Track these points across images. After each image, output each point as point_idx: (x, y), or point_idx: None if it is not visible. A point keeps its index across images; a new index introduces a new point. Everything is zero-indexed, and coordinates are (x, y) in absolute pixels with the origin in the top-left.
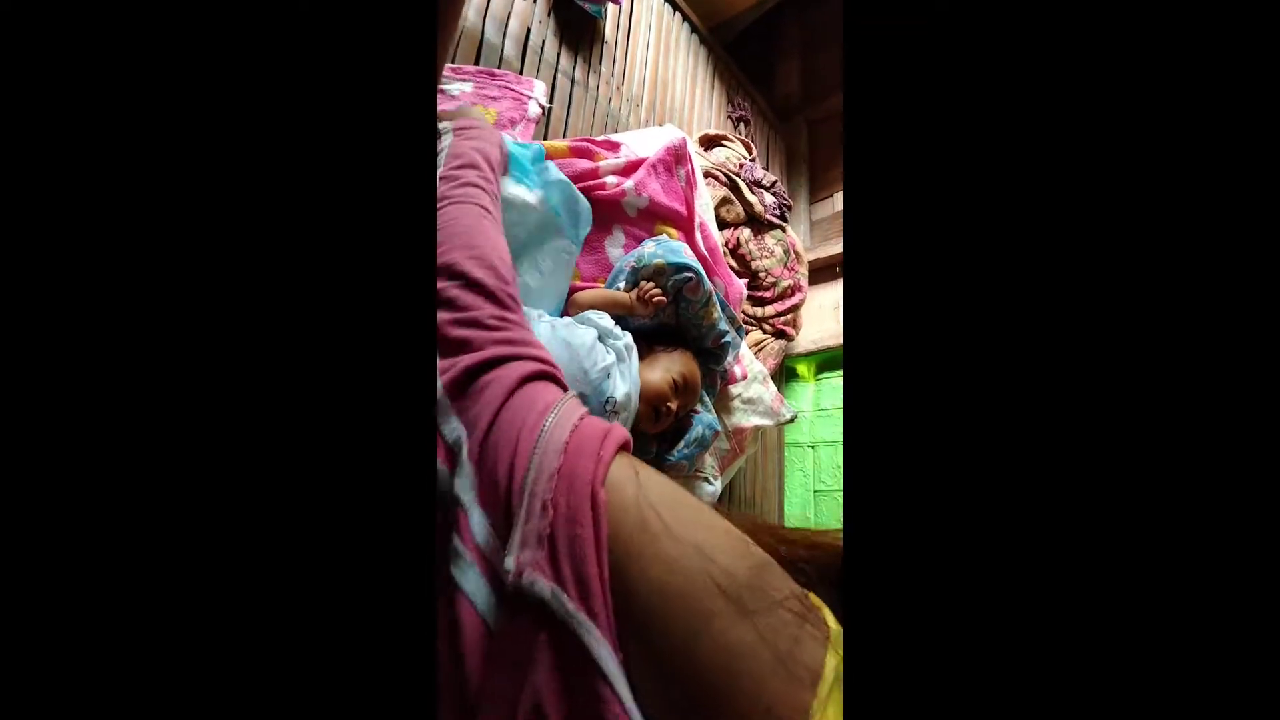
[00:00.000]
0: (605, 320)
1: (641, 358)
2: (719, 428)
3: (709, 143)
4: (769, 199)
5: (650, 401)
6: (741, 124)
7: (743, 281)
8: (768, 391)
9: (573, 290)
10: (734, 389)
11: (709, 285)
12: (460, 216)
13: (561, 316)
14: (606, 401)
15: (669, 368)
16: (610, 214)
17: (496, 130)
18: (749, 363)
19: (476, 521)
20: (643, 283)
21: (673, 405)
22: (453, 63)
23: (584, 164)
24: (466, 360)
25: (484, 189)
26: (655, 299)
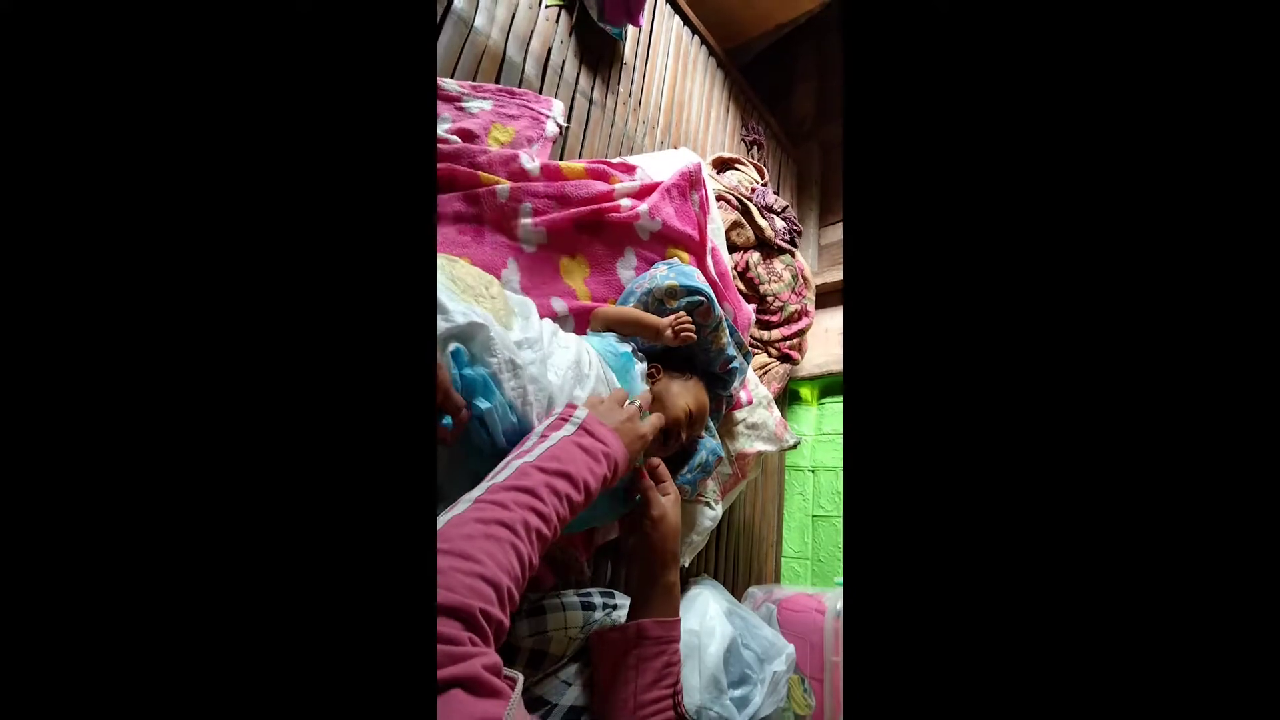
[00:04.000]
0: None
1: (653, 382)
2: (722, 453)
3: (722, 166)
4: (779, 224)
5: (662, 429)
6: (755, 147)
7: (751, 306)
8: (772, 417)
9: (586, 310)
10: (738, 414)
11: (719, 310)
12: (476, 528)
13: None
14: None
15: (683, 396)
16: (623, 237)
17: (622, 446)
18: (754, 387)
19: None
20: (680, 312)
21: (683, 436)
22: (473, 80)
23: (600, 186)
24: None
25: (539, 509)
26: (686, 334)
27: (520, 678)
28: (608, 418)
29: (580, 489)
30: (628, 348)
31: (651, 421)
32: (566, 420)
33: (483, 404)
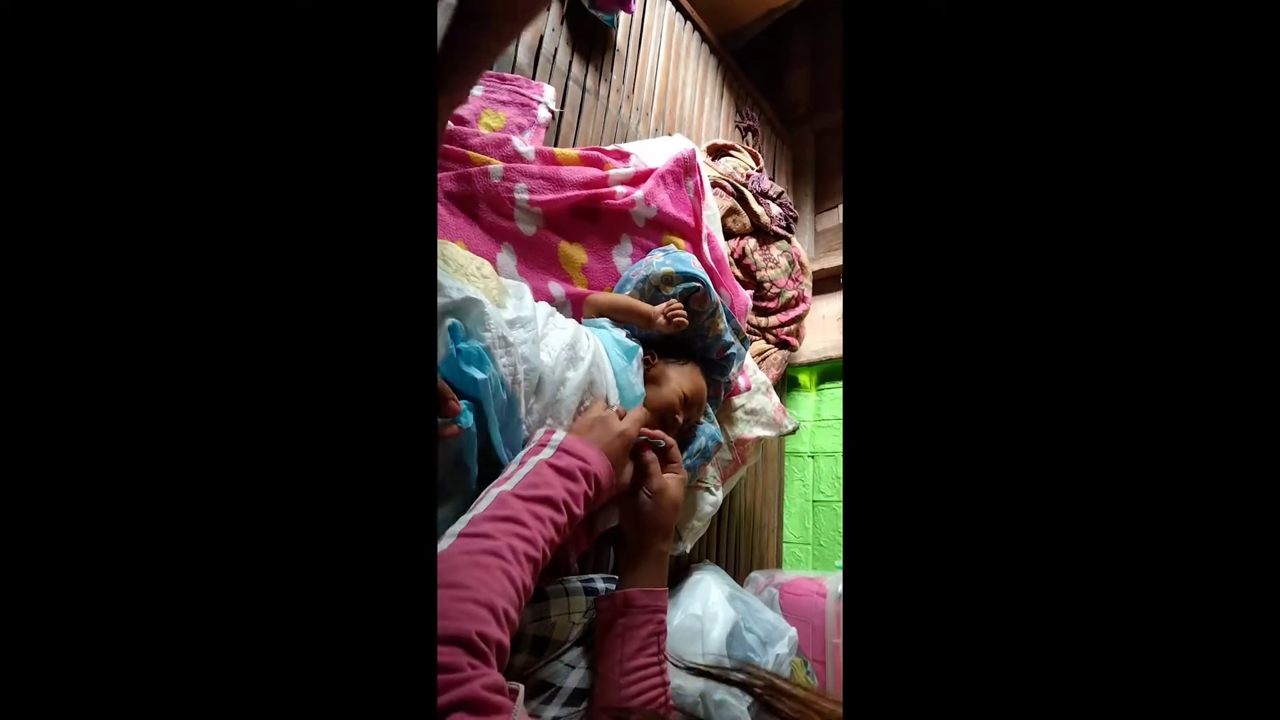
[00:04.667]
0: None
1: (649, 368)
2: (721, 439)
3: (716, 152)
4: (775, 210)
5: (658, 413)
6: (749, 134)
7: (748, 293)
8: (770, 402)
9: (583, 296)
10: (737, 400)
11: (716, 297)
12: (470, 563)
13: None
14: None
15: (678, 381)
16: (618, 224)
17: (602, 458)
18: (752, 373)
19: None
20: (672, 300)
21: (679, 418)
22: None
23: (594, 172)
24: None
25: (523, 534)
26: (678, 320)
27: (521, 688)
28: (585, 433)
29: (562, 510)
30: (622, 333)
31: (633, 417)
32: (545, 445)
33: (478, 374)
